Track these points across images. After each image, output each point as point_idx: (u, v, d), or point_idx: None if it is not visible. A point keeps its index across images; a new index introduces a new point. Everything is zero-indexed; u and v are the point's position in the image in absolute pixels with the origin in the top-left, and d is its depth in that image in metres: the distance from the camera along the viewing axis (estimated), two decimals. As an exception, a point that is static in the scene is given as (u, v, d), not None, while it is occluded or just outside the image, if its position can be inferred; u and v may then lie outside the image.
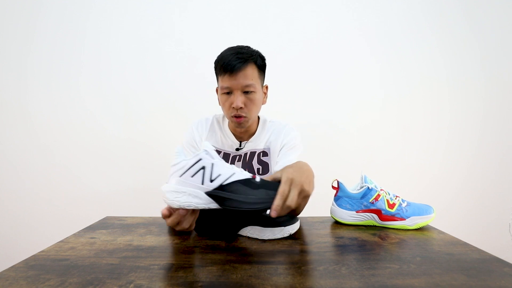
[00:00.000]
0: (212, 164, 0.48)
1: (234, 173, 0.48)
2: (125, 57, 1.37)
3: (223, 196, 0.47)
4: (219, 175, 0.48)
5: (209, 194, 0.47)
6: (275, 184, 0.50)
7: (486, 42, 1.41)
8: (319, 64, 1.40)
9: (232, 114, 0.77)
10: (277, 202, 0.47)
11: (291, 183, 0.50)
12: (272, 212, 0.47)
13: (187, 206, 0.47)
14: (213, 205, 0.48)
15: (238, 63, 0.72)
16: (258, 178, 0.50)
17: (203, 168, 0.48)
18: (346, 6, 1.38)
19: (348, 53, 1.40)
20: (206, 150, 0.49)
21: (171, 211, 0.51)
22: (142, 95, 1.38)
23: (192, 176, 0.48)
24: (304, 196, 0.52)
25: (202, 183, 0.47)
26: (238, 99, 0.75)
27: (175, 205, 0.48)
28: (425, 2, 1.39)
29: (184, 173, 0.48)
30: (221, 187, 0.47)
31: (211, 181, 0.47)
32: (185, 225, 0.52)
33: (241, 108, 0.75)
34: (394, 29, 1.40)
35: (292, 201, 0.48)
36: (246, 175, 0.50)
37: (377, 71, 1.41)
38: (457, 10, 1.39)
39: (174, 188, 0.48)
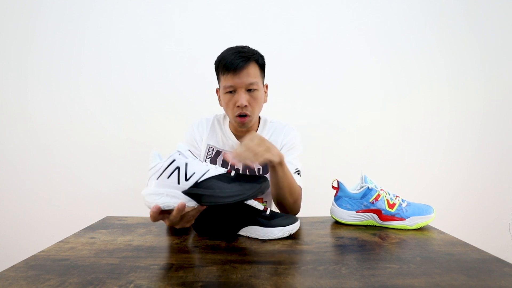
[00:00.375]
0: (186, 164, 0.49)
1: (208, 170, 0.50)
2: (125, 57, 1.37)
3: (200, 193, 0.48)
4: (193, 173, 0.49)
5: (186, 193, 0.48)
6: (250, 176, 0.51)
7: (486, 42, 1.41)
8: (319, 64, 1.40)
9: (237, 114, 0.77)
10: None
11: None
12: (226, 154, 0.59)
13: (166, 207, 0.48)
14: (191, 203, 0.49)
15: (241, 62, 0.73)
16: (233, 173, 0.51)
17: (178, 168, 0.49)
18: (346, 6, 1.38)
19: (348, 53, 1.40)
20: (179, 151, 0.50)
21: (159, 211, 0.49)
22: (142, 95, 1.38)
23: (168, 177, 0.48)
24: (266, 148, 0.62)
25: (178, 183, 0.48)
26: (243, 97, 0.75)
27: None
28: (425, 2, 1.39)
29: (160, 175, 0.49)
30: (197, 185, 0.48)
31: (187, 179, 0.48)
32: (186, 224, 0.52)
33: (245, 106, 0.75)
34: (394, 29, 1.40)
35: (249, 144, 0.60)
36: (221, 170, 0.51)
37: (377, 71, 1.41)
38: (457, 10, 1.39)
39: (152, 191, 0.49)
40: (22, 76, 1.36)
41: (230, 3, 1.36)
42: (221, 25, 1.37)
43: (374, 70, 1.41)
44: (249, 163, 0.59)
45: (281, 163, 0.67)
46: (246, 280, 0.39)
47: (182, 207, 0.48)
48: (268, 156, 0.62)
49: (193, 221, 0.54)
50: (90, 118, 1.38)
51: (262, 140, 0.63)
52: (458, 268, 0.43)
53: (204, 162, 0.53)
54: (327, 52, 1.39)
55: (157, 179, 0.49)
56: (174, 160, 0.49)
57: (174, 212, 0.48)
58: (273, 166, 0.67)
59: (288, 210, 0.75)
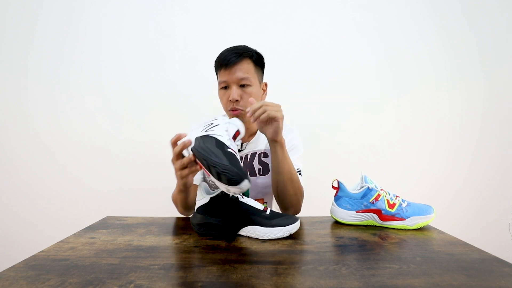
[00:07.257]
0: (218, 124, 0.59)
1: (221, 136, 0.55)
2: (125, 57, 1.37)
3: (204, 137, 0.55)
4: (213, 125, 0.58)
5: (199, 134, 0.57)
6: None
7: (486, 42, 1.40)
8: (319, 64, 1.40)
9: (230, 108, 0.80)
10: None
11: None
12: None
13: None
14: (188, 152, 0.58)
15: (233, 57, 0.76)
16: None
17: (214, 121, 0.60)
18: (346, 6, 1.38)
19: (348, 53, 1.40)
20: (228, 122, 0.61)
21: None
22: (142, 95, 1.38)
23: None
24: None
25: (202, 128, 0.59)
26: (234, 92, 0.77)
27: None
28: (425, 2, 1.39)
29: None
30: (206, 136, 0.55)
31: (205, 130, 0.58)
32: (187, 173, 0.59)
33: (237, 101, 0.77)
34: (394, 29, 1.40)
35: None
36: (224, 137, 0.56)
37: (377, 71, 1.41)
38: (457, 10, 1.39)
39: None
40: (22, 76, 1.36)
41: (231, 3, 1.36)
42: (222, 25, 1.37)
43: (374, 70, 1.41)
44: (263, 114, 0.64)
45: (282, 144, 0.71)
46: (246, 280, 0.39)
47: (188, 143, 0.56)
48: (280, 117, 0.67)
49: (187, 179, 0.62)
50: (90, 118, 1.38)
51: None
52: (458, 268, 0.43)
53: (232, 141, 0.57)
54: (327, 52, 1.39)
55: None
56: (216, 120, 0.59)
57: (178, 147, 0.57)
58: (275, 142, 0.70)
59: (288, 204, 0.74)
